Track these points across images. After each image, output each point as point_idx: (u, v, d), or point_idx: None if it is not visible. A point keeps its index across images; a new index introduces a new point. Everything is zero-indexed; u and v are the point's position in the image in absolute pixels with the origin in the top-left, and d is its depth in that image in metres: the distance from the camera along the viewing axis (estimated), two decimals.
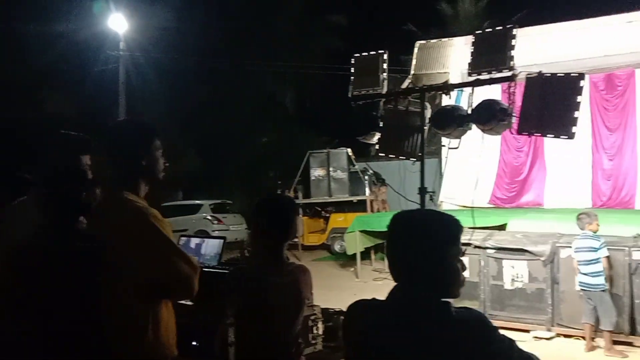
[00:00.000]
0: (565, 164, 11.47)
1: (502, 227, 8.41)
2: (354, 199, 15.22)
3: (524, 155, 12.24)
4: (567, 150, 10.59)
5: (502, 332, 1.55)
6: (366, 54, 6.35)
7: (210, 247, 3.85)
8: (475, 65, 5.48)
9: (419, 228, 1.64)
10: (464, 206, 10.36)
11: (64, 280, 1.96)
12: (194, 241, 3.97)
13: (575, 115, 5.14)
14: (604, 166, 11.35)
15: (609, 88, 11.27)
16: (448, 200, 11.99)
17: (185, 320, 2.46)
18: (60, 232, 2.06)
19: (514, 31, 5.30)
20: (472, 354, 1.49)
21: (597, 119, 11.34)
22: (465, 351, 1.49)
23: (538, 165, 12.11)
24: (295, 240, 12.37)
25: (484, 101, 5.50)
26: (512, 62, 5.24)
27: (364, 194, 15.00)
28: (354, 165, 15.85)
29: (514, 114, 5.39)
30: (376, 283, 10.55)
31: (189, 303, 3.02)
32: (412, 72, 6.24)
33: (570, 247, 6.66)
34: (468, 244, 7.32)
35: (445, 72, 6.02)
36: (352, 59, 6.44)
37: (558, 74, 5.32)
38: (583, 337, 6.51)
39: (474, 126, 5.62)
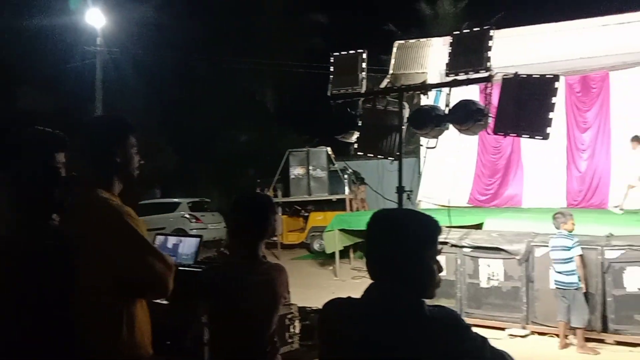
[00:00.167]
0: (541, 164, 11.64)
1: (478, 226, 8.49)
2: (334, 197, 15.22)
3: (501, 155, 12.36)
4: (543, 150, 10.75)
5: (477, 330, 1.57)
6: (345, 53, 6.38)
7: (187, 245, 3.82)
8: (453, 66, 5.53)
9: (398, 227, 1.64)
10: (442, 205, 10.44)
11: (34, 278, 1.93)
12: (171, 240, 3.91)
13: (550, 116, 5.22)
14: (579, 167, 11.54)
15: (584, 90, 11.46)
16: (426, 199, 12.06)
17: (160, 319, 2.44)
18: (33, 229, 2.03)
19: (491, 32, 5.36)
20: (444, 352, 1.51)
21: (572, 121, 11.53)
22: (438, 349, 1.50)
23: (515, 166, 12.25)
24: (275, 238, 12.32)
25: (461, 101, 5.55)
26: (489, 63, 5.30)
27: (344, 193, 15.03)
28: (333, 164, 15.85)
29: (490, 115, 5.45)
30: (355, 281, 10.58)
31: (164, 302, 2.99)
32: (390, 71, 6.29)
33: (545, 246, 6.76)
34: (445, 243, 7.39)
35: (423, 72, 6.08)
36: (332, 58, 6.46)
37: (533, 75, 5.40)
38: (557, 335, 6.61)
39: (451, 126, 5.68)
